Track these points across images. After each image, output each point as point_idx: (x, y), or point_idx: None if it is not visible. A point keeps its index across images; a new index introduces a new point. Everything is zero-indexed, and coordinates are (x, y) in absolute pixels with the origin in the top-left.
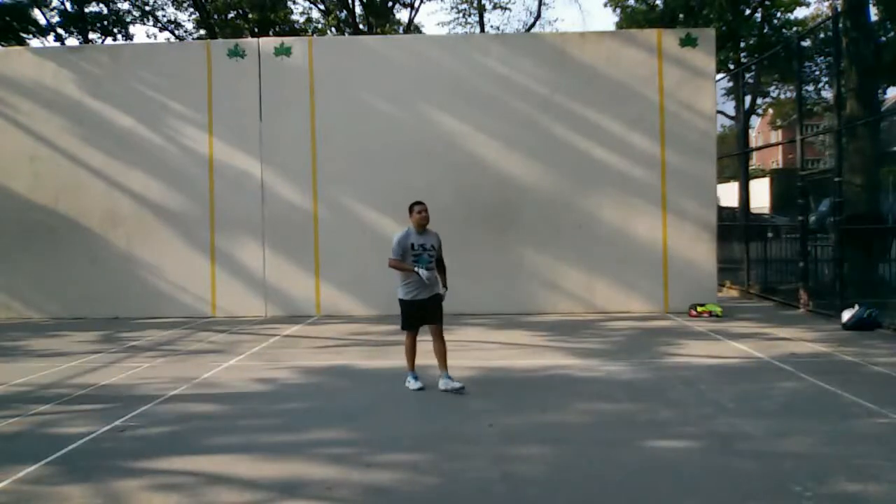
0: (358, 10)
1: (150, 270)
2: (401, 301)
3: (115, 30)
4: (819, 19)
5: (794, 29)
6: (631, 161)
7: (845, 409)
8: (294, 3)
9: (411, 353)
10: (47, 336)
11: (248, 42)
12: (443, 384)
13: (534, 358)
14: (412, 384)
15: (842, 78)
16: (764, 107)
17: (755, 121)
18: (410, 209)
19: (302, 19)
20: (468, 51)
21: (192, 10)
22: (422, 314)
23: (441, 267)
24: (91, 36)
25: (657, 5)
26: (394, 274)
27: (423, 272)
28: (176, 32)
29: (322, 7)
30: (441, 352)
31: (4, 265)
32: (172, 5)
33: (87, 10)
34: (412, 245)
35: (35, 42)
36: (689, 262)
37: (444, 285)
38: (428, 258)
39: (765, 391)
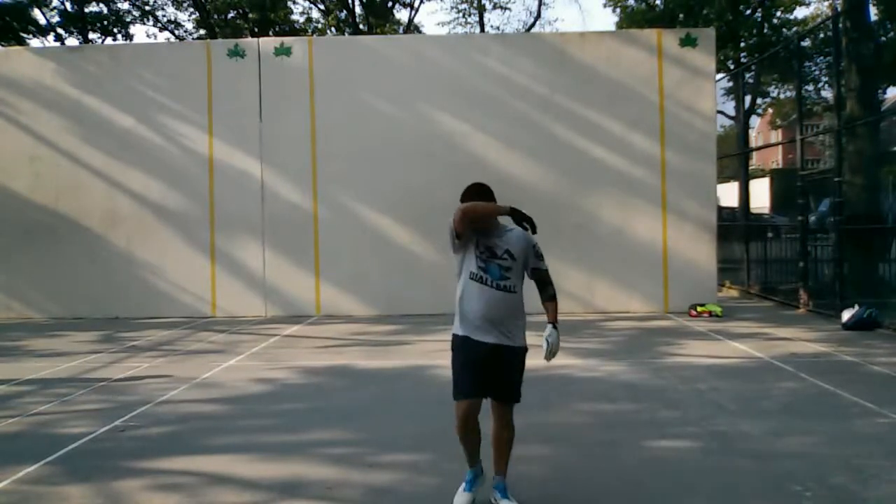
0: (358, 10)
1: (150, 270)
2: (452, 339)
3: (115, 30)
4: (819, 19)
5: (794, 29)
6: (631, 161)
7: (845, 409)
8: (294, 3)
9: (465, 439)
10: (47, 336)
11: (248, 42)
12: (493, 496)
13: (534, 358)
14: (458, 497)
15: (842, 78)
16: (764, 107)
17: (755, 121)
18: (465, 198)
19: (302, 19)
20: (468, 51)
21: (192, 10)
22: (482, 371)
23: (544, 293)
24: (91, 36)
25: (657, 5)
26: (394, 273)
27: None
28: (176, 32)
29: (322, 7)
30: (500, 442)
31: (4, 265)
32: (172, 5)
33: (87, 10)
34: (478, 243)
35: (35, 42)
36: (689, 262)
37: (554, 321)
38: (500, 272)
39: (765, 391)
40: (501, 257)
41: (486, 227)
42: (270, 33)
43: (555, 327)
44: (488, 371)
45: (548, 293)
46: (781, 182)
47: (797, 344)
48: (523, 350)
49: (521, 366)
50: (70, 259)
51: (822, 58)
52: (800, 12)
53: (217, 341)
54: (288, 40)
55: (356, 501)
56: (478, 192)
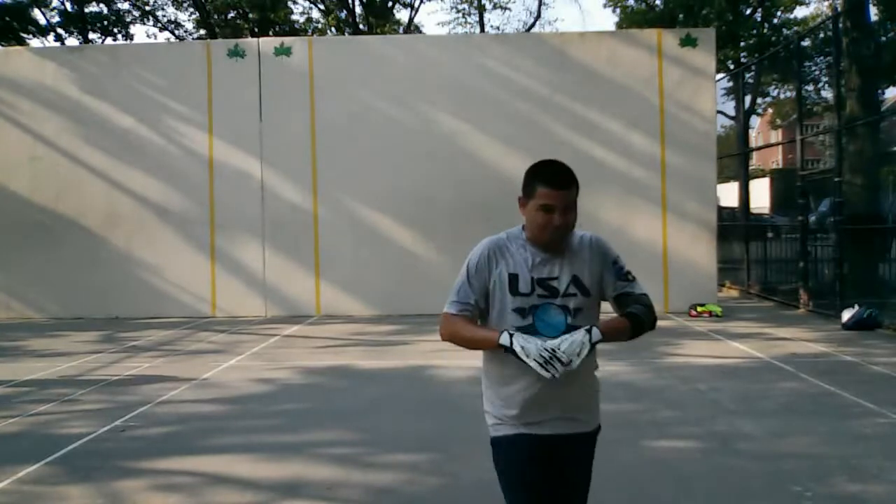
0: (358, 10)
1: (150, 270)
2: (492, 443)
3: (115, 30)
4: (819, 19)
5: (794, 29)
6: (631, 161)
7: (845, 409)
8: (294, 3)
9: None
10: (47, 336)
11: (248, 42)
12: None
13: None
14: None
15: (842, 78)
16: (764, 107)
17: (755, 121)
18: (528, 187)
19: (302, 19)
20: (468, 51)
21: (192, 10)
22: (541, 482)
23: (633, 322)
24: (91, 36)
25: (657, 5)
26: (394, 273)
27: (530, 346)
28: (176, 32)
29: (322, 7)
30: None
31: (5, 265)
32: (172, 5)
33: (87, 10)
34: (514, 279)
35: (35, 42)
36: (689, 262)
37: (607, 332)
38: (564, 320)
39: (765, 391)
40: (567, 292)
41: (548, 241)
42: (270, 33)
43: (591, 338)
44: (547, 478)
45: (633, 322)
46: (781, 182)
47: (797, 344)
48: (597, 432)
49: (592, 457)
50: (70, 259)
51: (822, 58)
52: (800, 12)
53: (217, 341)
54: (288, 40)
55: (356, 501)
56: (550, 178)
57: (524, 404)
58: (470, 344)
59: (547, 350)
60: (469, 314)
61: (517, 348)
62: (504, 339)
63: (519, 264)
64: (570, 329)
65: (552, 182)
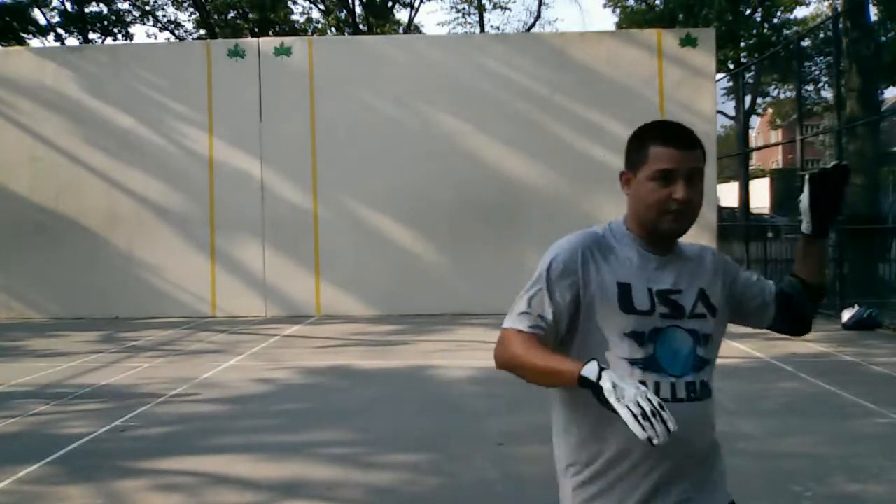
0: (358, 10)
1: (150, 270)
2: None
3: (115, 30)
4: (819, 19)
5: (794, 29)
6: None
7: (845, 409)
8: (294, 3)
9: None
10: (47, 336)
11: (248, 42)
12: None
13: None
14: None
15: (842, 78)
16: (764, 107)
17: (755, 121)
18: (636, 152)
19: (302, 19)
20: (468, 51)
21: (192, 10)
22: None
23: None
24: (91, 36)
25: (657, 5)
26: (394, 273)
27: (627, 387)
28: (176, 32)
29: (322, 7)
30: None
31: (5, 265)
32: (172, 5)
33: (87, 10)
34: (625, 290)
35: (35, 42)
36: None
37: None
38: (693, 350)
39: (765, 391)
40: (695, 312)
41: (664, 228)
42: (270, 33)
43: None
44: None
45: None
46: (781, 182)
47: (797, 344)
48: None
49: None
50: (70, 259)
51: (822, 58)
52: (800, 12)
53: (217, 341)
54: (288, 40)
55: (356, 501)
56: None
57: (640, 485)
58: (535, 374)
59: (652, 401)
60: (542, 335)
61: (605, 385)
62: (590, 371)
63: (630, 271)
64: (698, 365)
65: (672, 139)
